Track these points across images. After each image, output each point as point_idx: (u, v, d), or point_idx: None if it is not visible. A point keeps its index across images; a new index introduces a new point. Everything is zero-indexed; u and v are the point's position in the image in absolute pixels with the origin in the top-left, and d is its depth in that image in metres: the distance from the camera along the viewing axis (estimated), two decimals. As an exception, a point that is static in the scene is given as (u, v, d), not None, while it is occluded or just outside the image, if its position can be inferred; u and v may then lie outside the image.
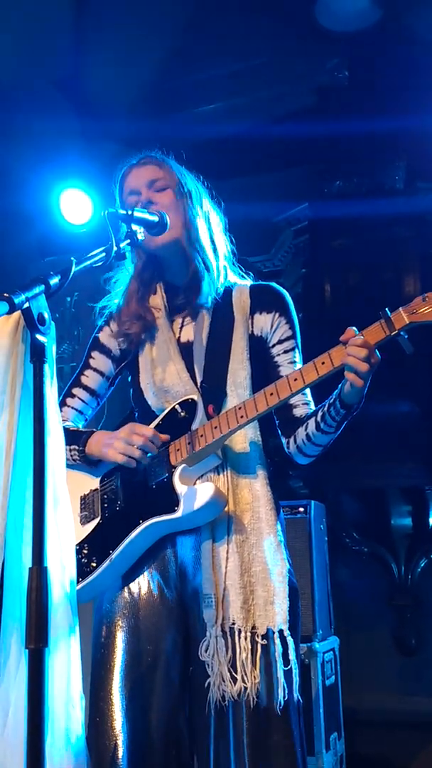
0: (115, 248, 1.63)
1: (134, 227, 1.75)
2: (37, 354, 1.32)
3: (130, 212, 1.75)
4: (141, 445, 1.72)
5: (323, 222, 4.26)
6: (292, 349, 1.88)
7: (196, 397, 1.78)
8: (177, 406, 1.79)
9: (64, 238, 4.24)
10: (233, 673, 1.59)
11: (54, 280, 1.42)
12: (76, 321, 4.40)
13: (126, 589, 1.76)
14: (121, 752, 1.63)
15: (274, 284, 1.98)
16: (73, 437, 1.85)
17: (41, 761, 1.15)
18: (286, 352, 1.87)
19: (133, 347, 1.94)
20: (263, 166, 4.45)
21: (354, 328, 1.61)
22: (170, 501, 1.67)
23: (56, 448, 1.37)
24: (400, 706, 4.18)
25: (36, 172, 4.16)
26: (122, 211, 1.74)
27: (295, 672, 1.61)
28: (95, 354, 1.99)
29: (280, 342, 1.88)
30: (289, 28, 4.02)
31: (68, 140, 4.24)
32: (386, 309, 1.57)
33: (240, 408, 1.68)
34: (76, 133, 4.28)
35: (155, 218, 1.82)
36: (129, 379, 1.98)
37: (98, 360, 1.98)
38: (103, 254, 1.62)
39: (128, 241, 1.73)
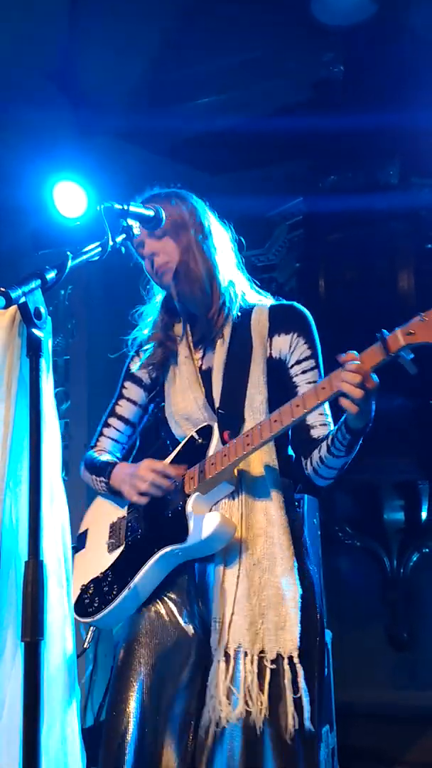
0: (110, 243, 1.63)
1: (130, 222, 1.75)
2: (33, 348, 1.32)
3: (125, 207, 1.75)
4: (152, 482, 1.75)
5: (318, 216, 4.26)
6: (312, 369, 1.87)
7: (213, 423, 1.80)
8: (195, 434, 1.82)
9: (58, 231, 4.23)
10: (233, 697, 1.55)
11: (50, 275, 1.42)
12: (70, 314, 4.39)
13: (145, 615, 1.75)
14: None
15: (294, 304, 1.97)
16: (99, 470, 1.92)
17: (37, 753, 1.15)
18: (304, 372, 1.87)
19: (159, 375, 1.98)
20: (258, 160, 4.44)
21: (354, 351, 1.59)
22: (181, 530, 1.68)
23: (52, 443, 1.37)
24: (393, 700, 4.20)
25: (30, 164, 4.15)
26: (118, 206, 1.74)
27: (306, 700, 1.57)
28: (128, 384, 2.05)
29: (298, 362, 1.88)
30: (285, 22, 4.01)
31: (63, 133, 4.22)
32: (383, 330, 1.55)
33: (247, 435, 1.69)
34: (70, 125, 4.26)
35: (151, 213, 1.82)
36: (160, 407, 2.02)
37: (131, 390, 2.04)
38: (99, 249, 1.61)
39: (124, 236, 1.72)
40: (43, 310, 1.35)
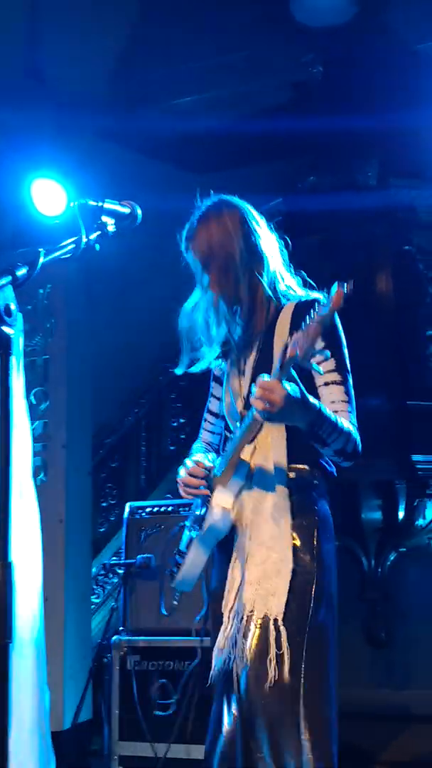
0: (84, 239, 1.61)
1: (105, 219, 1.73)
2: (2, 346, 1.31)
3: (100, 203, 1.73)
4: (184, 483, 2.03)
5: (297, 217, 4.26)
6: (331, 371, 1.96)
7: (239, 424, 1.99)
8: (227, 433, 2.10)
9: (37, 230, 4.20)
10: (228, 647, 1.86)
11: (21, 272, 1.40)
12: (49, 313, 4.36)
13: (222, 583, 2.01)
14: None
15: (318, 298, 2.02)
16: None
17: (5, 756, 1.14)
18: (319, 364, 1.95)
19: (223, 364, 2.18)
20: (238, 160, 4.45)
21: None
22: (204, 518, 2.00)
23: (22, 442, 1.36)
24: (370, 699, 4.22)
25: (8, 162, 4.12)
26: (92, 203, 1.72)
27: (288, 656, 1.81)
28: (213, 383, 2.27)
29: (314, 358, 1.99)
30: (265, 23, 4.02)
31: (41, 131, 4.20)
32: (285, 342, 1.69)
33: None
34: (49, 123, 4.24)
35: (126, 210, 1.80)
36: None
37: (215, 388, 2.26)
38: (73, 245, 1.60)
39: (99, 232, 1.71)
40: (13, 306, 1.34)
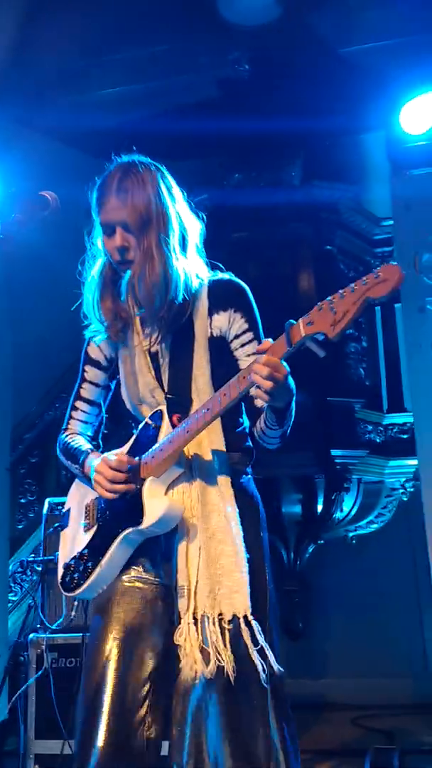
0: (0, 229, 1.58)
1: (22, 208, 1.71)
2: None
3: (17, 192, 1.71)
4: (111, 479, 1.87)
5: (222, 214, 4.29)
6: (250, 341, 1.92)
7: (163, 408, 1.90)
8: (149, 419, 1.93)
9: None
10: (206, 655, 1.74)
11: None
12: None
13: (118, 582, 1.90)
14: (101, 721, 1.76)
15: (230, 277, 2.00)
16: (73, 457, 2.01)
17: None
18: (243, 345, 1.93)
19: (113, 353, 2.04)
20: (163, 153, 4.41)
21: (270, 339, 1.66)
22: (138, 512, 1.85)
23: None
24: (289, 689, 4.31)
25: None
26: (9, 191, 1.69)
27: (267, 648, 1.76)
28: (87, 367, 2.10)
29: (237, 337, 1.93)
30: (192, 17, 4.01)
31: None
32: (290, 320, 1.60)
33: (187, 422, 1.81)
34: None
35: (43, 199, 1.79)
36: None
37: (90, 372, 2.09)
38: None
39: (16, 222, 1.69)
40: None
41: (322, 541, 4.42)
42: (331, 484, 4.13)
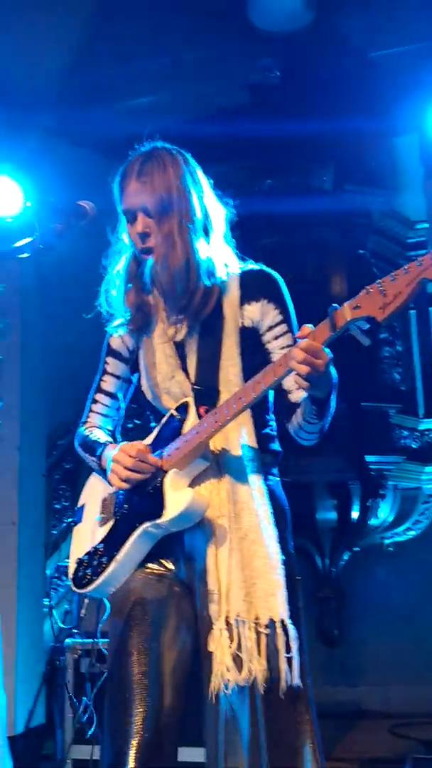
0: (41, 239, 1.61)
1: (61, 218, 1.73)
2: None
3: (56, 203, 1.73)
4: (132, 467, 1.78)
5: (252, 220, 4.29)
6: (284, 334, 1.86)
7: (189, 399, 1.82)
8: (174, 411, 1.84)
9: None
10: (239, 662, 1.67)
11: (-23, 271, 1.39)
12: (2, 314, 4.30)
13: (137, 577, 1.83)
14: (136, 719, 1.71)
15: (262, 268, 1.94)
16: (90, 449, 1.95)
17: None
18: (276, 338, 1.86)
19: (135, 344, 1.98)
20: (195, 161, 4.44)
21: (310, 325, 1.59)
22: (159, 506, 1.75)
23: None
24: (323, 697, 4.26)
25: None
26: (49, 202, 1.72)
27: (297, 658, 1.69)
28: (109, 359, 2.03)
29: (269, 329, 1.87)
30: (222, 25, 4.03)
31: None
32: (334, 305, 1.52)
33: (215, 413, 1.72)
34: (2, 122, 4.17)
35: (82, 209, 1.80)
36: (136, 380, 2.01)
37: (112, 365, 2.03)
38: (29, 245, 1.59)
39: (55, 232, 1.71)
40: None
41: (357, 548, 4.38)
42: (367, 491, 4.09)
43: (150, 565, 1.82)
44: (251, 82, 4.53)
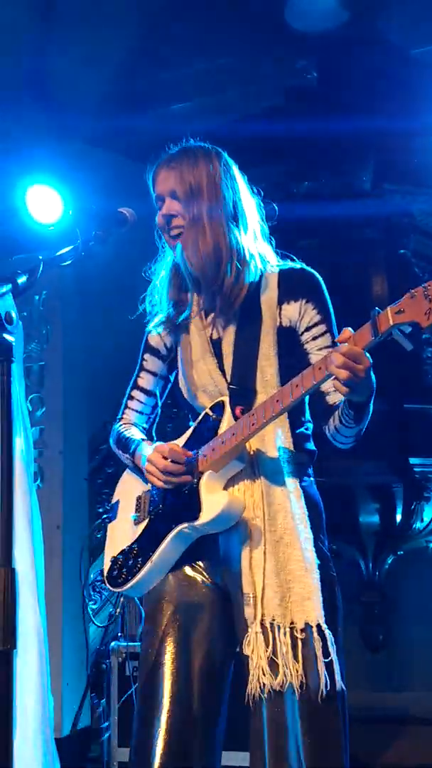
0: (82, 246, 1.63)
1: (102, 225, 1.75)
2: (4, 353, 1.31)
3: (97, 210, 1.75)
4: (164, 470, 1.78)
5: (291, 222, 4.27)
6: (322, 334, 1.84)
7: (225, 399, 1.81)
8: (209, 410, 1.83)
9: (32, 236, 4.20)
10: (274, 666, 1.65)
11: (21, 279, 1.41)
12: (45, 319, 4.36)
13: (170, 577, 1.83)
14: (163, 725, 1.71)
15: (302, 266, 1.94)
16: (125, 446, 1.95)
17: (10, 761, 1.14)
18: (314, 338, 1.84)
19: (174, 341, 1.98)
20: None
21: (349, 328, 1.56)
22: (195, 508, 1.73)
23: (24, 449, 1.36)
24: (369, 702, 4.22)
25: (2, 168, 4.12)
26: (89, 209, 1.74)
27: (336, 662, 1.67)
28: (147, 356, 2.04)
29: (308, 329, 1.85)
30: (259, 28, 4.03)
31: (35, 136, 4.20)
32: (376, 308, 1.50)
33: (252, 415, 1.71)
34: (42, 129, 4.24)
35: (123, 216, 1.81)
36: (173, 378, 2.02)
37: (150, 362, 2.03)
38: (71, 252, 1.61)
39: (96, 239, 1.72)
40: (14, 314, 1.34)
41: (401, 552, 4.32)
42: (410, 494, 4.03)
43: (185, 568, 1.82)
44: (288, 84, 4.52)
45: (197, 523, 1.71)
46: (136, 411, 2.04)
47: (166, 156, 1.93)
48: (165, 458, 1.78)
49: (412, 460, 4.03)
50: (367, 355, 1.55)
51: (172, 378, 2.02)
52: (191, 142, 1.97)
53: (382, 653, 4.37)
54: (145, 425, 2.05)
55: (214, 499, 1.71)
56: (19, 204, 4.12)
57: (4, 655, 1.18)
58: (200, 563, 1.83)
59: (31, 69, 4.04)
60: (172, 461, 1.77)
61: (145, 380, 2.03)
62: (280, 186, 4.49)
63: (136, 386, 2.04)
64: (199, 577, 1.82)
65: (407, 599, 4.65)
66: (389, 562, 4.27)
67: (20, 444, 1.32)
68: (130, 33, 3.96)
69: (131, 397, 2.04)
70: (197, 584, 1.81)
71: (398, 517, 4.08)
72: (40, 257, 1.50)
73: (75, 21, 3.79)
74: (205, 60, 4.21)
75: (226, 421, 1.77)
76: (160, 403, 2.06)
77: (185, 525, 1.74)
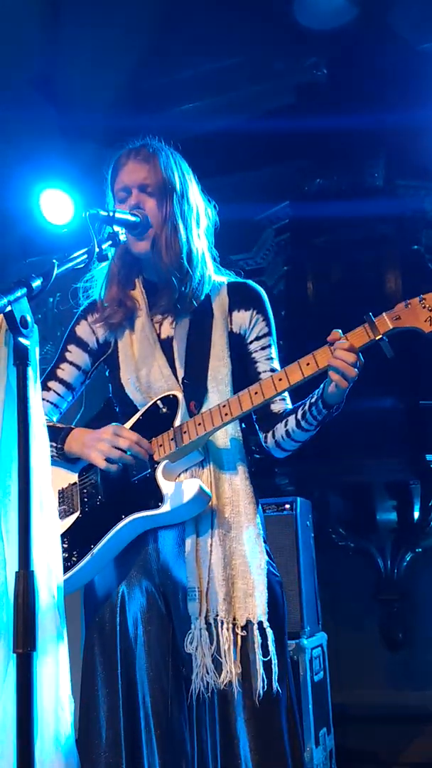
0: (96, 249, 1.63)
1: (116, 228, 1.75)
2: (20, 357, 1.32)
3: (111, 213, 1.75)
4: (128, 448, 1.73)
5: (304, 220, 4.26)
6: (269, 346, 1.92)
7: (178, 393, 1.80)
8: (159, 402, 1.81)
9: (46, 239, 4.22)
10: (218, 664, 1.62)
11: (36, 283, 1.41)
12: (59, 322, 4.38)
13: (112, 587, 1.80)
14: (113, 738, 1.69)
15: (250, 282, 2.00)
16: (50, 434, 1.82)
17: (31, 764, 1.14)
18: (263, 348, 1.91)
19: (111, 338, 1.94)
20: (243, 164, 4.45)
21: (339, 330, 1.64)
22: (154, 497, 1.70)
23: (41, 452, 1.37)
24: (389, 700, 4.21)
25: (15, 171, 4.14)
26: (103, 213, 1.74)
27: (275, 663, 1.64)
28: (71, 347, 1.97)
29: (257, 339, 1.92)
30: (268, 27, 4.02)
31: (48, 139, 4.22)
32: (370, 314, 1.61)
33: (224, 406, 1.71)
34: (55, 131, 4.26)
35: (137, 219, 1.82)
36: (107, 373, 1.97)
37: (74, 353, 1.96)
38: (85, 255, 1.62)
39: (110, 242, 1.74)
40: (29, 318, 1.35)
41: (419, 549, 4.30)
42: (428, 490, 4.01)
43: (130, 565, 1.77)
44: (299, 82, 4.50)
45: (160, 510, 1.67)
46: (51, 403, 1.93)
47: (133, 147, 1.92)
48: (127, 439, 1.73)
49: (429, 457, 4.01)
50: (360, 356, 1.62)
51: (92, 375, 1.97)
52: (155, 140, 1.96)
53: (402, 652, 4.35)
54: (54, 418, 1.96)
55: (184, 487, 1.67)
56: (33, 207, 4.15)
57: (25, 658, 1.18)
58: (137, 567, 1.77)
59: (41, 71, 4.06)
60: (135, 443, 1.72)
61: (67, 372, 1.94)
62: (292, 184, 4.48)
63: (54, 377, 1.94)
64: (137, 588, 1.76)
65: (427, 597, 4.62)
66: (407, 559, 4.25)
67: (38, 446, 1.32)
68: (140, 34, 3.96)
69: (47, 388, 1.93)
70: (136, 596, 1.76)
71: (416, 514, 4.06)
72: (54, 260, 1.50)
73: (85, 23, 3.80)
74: (216, 59, 4.21)
75: (181, 415, 1.76)
76: (74, 399, 1.99)
77: (144, 513, 1.68)
